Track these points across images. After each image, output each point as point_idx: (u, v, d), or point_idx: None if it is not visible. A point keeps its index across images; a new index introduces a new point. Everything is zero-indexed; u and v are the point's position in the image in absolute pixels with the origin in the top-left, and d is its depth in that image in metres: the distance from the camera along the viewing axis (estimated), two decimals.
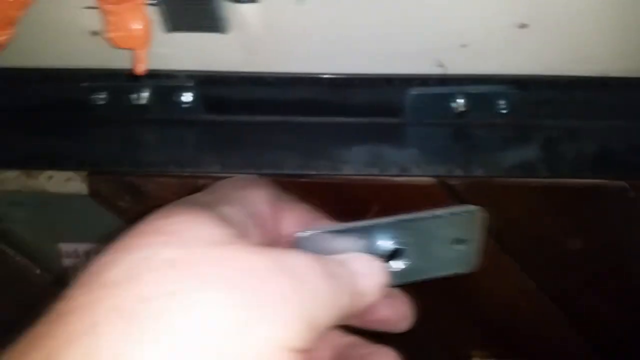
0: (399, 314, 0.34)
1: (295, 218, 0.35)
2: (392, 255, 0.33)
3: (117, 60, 0.46)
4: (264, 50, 0.45)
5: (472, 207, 0.36)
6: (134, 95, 0.49)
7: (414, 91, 0.47)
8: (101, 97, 0.49)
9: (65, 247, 0.62)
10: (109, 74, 0.48)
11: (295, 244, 0.30)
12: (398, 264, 0.33)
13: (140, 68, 0.40)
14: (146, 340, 0.21)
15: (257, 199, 0.33)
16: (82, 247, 0.61)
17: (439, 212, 0.34)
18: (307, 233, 0.30)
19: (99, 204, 0.56)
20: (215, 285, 0.22)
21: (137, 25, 0.38)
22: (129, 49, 0.40)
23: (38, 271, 0.64)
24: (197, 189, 0.53)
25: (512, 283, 0.60)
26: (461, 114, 0.48)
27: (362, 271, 0.28)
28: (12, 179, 0.57)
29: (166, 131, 0.51)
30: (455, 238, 0.35)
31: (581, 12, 0.41)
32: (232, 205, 0.30)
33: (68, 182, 0.57)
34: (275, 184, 0.39)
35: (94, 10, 0.41)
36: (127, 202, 0.55)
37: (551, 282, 0.60)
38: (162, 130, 0.51)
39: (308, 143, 0.49)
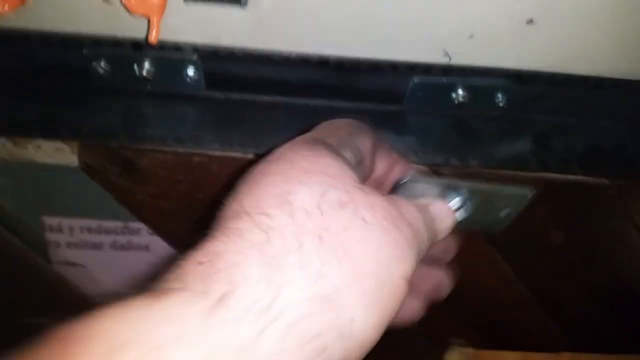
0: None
1: (387, 163, 0.39)
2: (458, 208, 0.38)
3: (123, 29, 0.46)
4: (274, 28, 0.45)
5: (527, 190, 0.40)
6: (137, 67, 0.48)
7: (417, 79, 0.48)
8: (103, 65, 0.48)
9: (49, 220, 0.60)
10: (113, 43, 0.47)
11: (395, 187, 0.36)
12: (460, 215, 0.37)
13: (154, 36, 0.40)
14: (328, 262, 0.26)
15: (365, 146, 0.36)
16: (66, 221, 0.60)
17: (506, 188, 0.40)
18: (406, 180, 0.36)
19: (89, 177, 0.55)
20: (374, 227, 0.28)
21: None
22: (144, 15, 0.39)
23: (18, 243, 0.63)
24: (193, 167, 0.53)
25: (493, 273, 0.62)
26: (461, 105, 0.49)
27: (440, 215, 0.35)
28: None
29: (166, 105, 0.50)
30: (507, 210, 0.41)
31: (586, 13, 0.43)
32: (351, 151, 0.34)
33: (58, 153, 0.55)
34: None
35: None
36: (119, 177, 0.55)
37: (531, 273, 0.62)
38: (163, 104, 0.50)
39: (309, 126, 0.50)
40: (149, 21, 0.40)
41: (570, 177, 0.54)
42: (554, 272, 0.63)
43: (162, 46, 0.47)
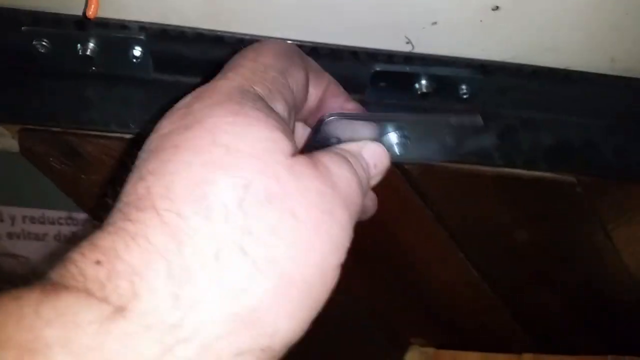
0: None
1: (320, 90, 0.36)
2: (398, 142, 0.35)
3: (65, 5, 0.43)
4: (226, 8, 0.42)
5: (476, 117, 0.36)
6: (80, 46, 0.45)
7: (379, 67, 0.46)
8: (44, 44, 0.44)
9: None
10: (54, 19, 0.43)
11: (320, 124, 0.32)
12: (401, 150, 0.35)
13: (92, 10, 0.37)
14: (249, 275, 0.23)
15: (299, 81, 0.32)
16: (7, 210, 0.57)
17: (450, 118, 0.36)
18: (331, 119, 0.32)
19: (30, 164, 0.52)
20: (306, 224, 0.25)
21: None
22: None
23: None
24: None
25: (457, 273, 0.60)
26: (424, 96, 0.47)
27: (374, 159, 0.32)
28: None
29: (111, 88, 0.47)
30: (456, 138, 0.37)
31: (554, 2, 0.41)
32: (283, 98, 0.30)
33: None
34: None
35: None
36: (62, 164, 0.51)
37: (495, 274, 0.60)
38: (107, 86, 0.47)
39: None
40: None
41: (537, 173, 0.52)
42: (521, 274, 0.61)
43: (107, 24, 0.44)
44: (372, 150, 0.32)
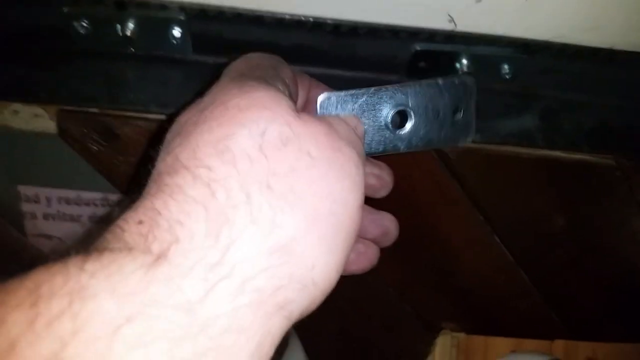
0: (382, 182, 0.40)
1: (305, 89, 0.38)
2: (401, 120, 0.36)
3: None
4: None
5: (465, 76, 0.39)
6: (119, 27, 0.44)
7: (419, 46, 0.45)
8: (83, 25, 0.44)
9: (25, 190, 0.57)
10: (94, 0, 0.43)
11: (318, 105, 0.35)
12: (404, 128, 0.36)
13: None
14: (280, 210, 0.25)
15: (288, 76, 0.34)
16: (44, 191, 0.57)
17: (438, 80, 0.38)
18: (326, 95, 0.35)
19: (67, 145, 0.52)
20: (321, 161, 0.26)
21: None
22: None
23: None
24: None
25: (491, 257, 0.60)
26: (468, 74, 0.46)
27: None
28: None
29: (150, 69, 0.47)
30: (453, 106, 0.38)
31: None
32: (280, 82, 0.32)
33: (35, 119, 0.52)
34: None
35: None
36: (99, 145, 0.51)
37: (530, 259, 0.60)
38: (146, 67, 0.47)
39: None
40: None
41: (576, 156, 0.52)
42: (554, 258, 0.60)
43: (147, 4, 0.44)
44: (354, 119, 0.34)
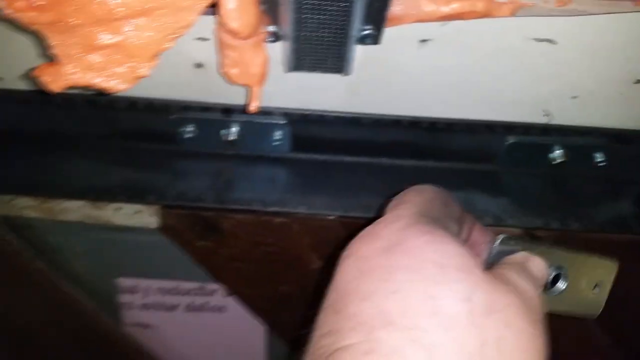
0: None
1: (468, 227, 0.37)
2: (552, 281, 0.36)
3: (213, 94, 0.46)
4: (367, 92, 0.44)
5: (613, 261, 0.38)
6: (224, 131, 0.47)
7: (513, 139, 0.46)
8: (190, 130, 0.47)
9: (124, 282, 0.59)
10: (200, 108, 0.46)
11: (493, 244, 0.34)
12: (553, 290, 0.36)
13: (255, 106, 0.39)
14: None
15: (457, 214, 0.34)
16: (142, 282, 0.59)
17: (596, 255, 0.37)
18: (503, 237, 0.34)
19: (167, 239, 0.55)
20: (523, 334, 0.26)
21: (257, 62, 0.37)
22: (245, 85, 0.38)
23: (91, 305, 0.62)
24: (274, 228, 0.52)
25: (586, 338, 0.58)
26: (559, 165, 0.47)
27: (536, 272, 0.32)
28: (76, 209, 0.55)
29: (251, 168, 0.49)
30: (597, 281, 0.38)
31: None
32: (453, 223, 0.32)
33: (137, 215, 0.55)
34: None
35: (205, 42, 0.40)
36: (199, 239, 0.53)
37: (627, 340, 0.58)
38: (247, 167, 0.49)
39: (397, 187, 0.48)
40: (249, 90, 0.39)
41: None
42: None
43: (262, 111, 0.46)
44: (536, 262, 0.33)
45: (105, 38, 0.28)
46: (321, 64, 0.37)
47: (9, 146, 0.50)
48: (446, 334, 0.24)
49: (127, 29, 0.28)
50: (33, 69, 0.30)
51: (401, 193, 0.34)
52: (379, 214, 0.33)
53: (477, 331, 0.24)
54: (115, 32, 0.28)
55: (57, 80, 0.29)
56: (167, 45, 0.31)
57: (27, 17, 0.27)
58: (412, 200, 0.32)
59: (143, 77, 0.31)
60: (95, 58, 0.29)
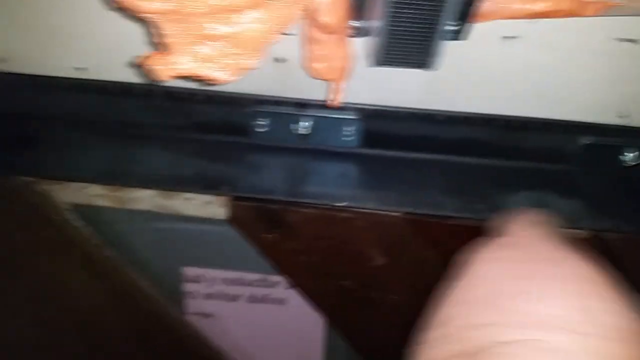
0: None
1: None
2: None
3: (288, 89, 0.46)
4: (445, 89, 0.44)
5: None
6: (296, 125, 0.48)
7: (587, 140, 0.46)
8: (263, 123, 0.48)
9: (189, 271, 0.61)
10: (275, 101, 0.47)
11: None
12: None
13: (337, 100, 0.40)
14: None
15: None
16: (207, 272, 0.61)
17: None
18: None
19: (234, 230, 0.56)
20: None
21: (341, 57, 0.38)
22: (328, 80, 0.39)
23: (156, 294, 0.63)
24: (338, 223, 0.53)
25: None
26: (632, 167, 0.47)
27: None
28: (147, 199, 0.57)
29: (323, 162, 0.50)
30: None
31: None
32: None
33: (207, 206, 0.56)
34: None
35: (289, 37, 0.41)
36: (266, 231, 0.55)
37: None
38: (319, 161, 0.50)
39: (469, 185, 0.48)
40: (330, 85, 0.40)
41: None
42: None
43: (326, 105, 0.47)
44: None
45: (219, 29, 0.29)
46: (407, 59, 0.37)
47: (88, 136, 0.52)
48: (606, 342, 0.24)
49: (241, 21, 0.29)
50: (138, 57, 0.32)
51: (521, 213, 0.34)
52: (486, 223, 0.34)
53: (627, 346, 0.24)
54: (230, 23, 0.29)
55: (167, 69, 0.30)
56: (275, 38, 0.32)
57: (146, 5, 0.28)
58: (542, 220, 0.32)
59: (250, 69, 0.32)
60: (206, 49, 0.30)
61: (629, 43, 0.40)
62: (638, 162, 0.46)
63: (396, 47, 0.36)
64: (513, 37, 0.39)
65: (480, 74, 0.42)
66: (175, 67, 0.30)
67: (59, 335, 0.63)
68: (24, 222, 0.57)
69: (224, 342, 0.66)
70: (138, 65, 0.33)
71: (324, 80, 0.39)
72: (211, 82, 0.33)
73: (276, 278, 0.60)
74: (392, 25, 0.34)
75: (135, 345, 0.65)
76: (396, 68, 0.38)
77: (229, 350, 0.67)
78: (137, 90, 0.48)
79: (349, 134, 0.48)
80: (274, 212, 0.53)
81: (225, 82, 0.33)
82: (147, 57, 0.31)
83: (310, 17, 0.35)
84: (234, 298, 0.62)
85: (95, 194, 0.57)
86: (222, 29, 0.29)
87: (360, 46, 0.40)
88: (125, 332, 0.65)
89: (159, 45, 0.31)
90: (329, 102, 0.40)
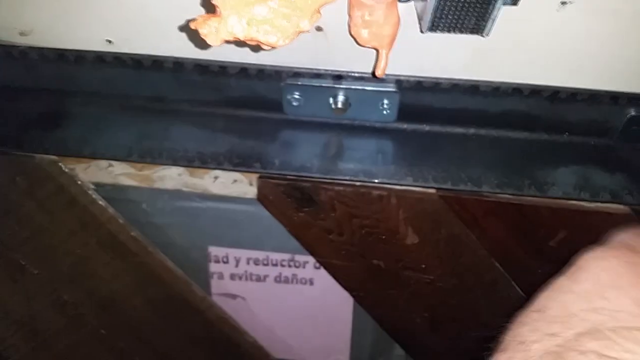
0: None
1: None
2: None
3: (325, 61, 0.45)
4: (492, 57, 0.42)
5: None
6: (332, 99, 0.46)
7: (635, 112, 0.45)
8: (297, 97, 0.47)
9: (215, 250, 0.59)
10: (310, 74, 0.46)
11: None
12: None
13: (382, 69, 0.38)
14: None
15: None
16: (234, 252, 0.59)
17: None
18: None
19: (262, 209, 0.54)
20: None
21: (389, 23, 0.36)
22: (374, 47, 0.37)
23: (181, 274, 0.62)
24: (371, 201, 0.51)
25: None
26: None
27: None
28: (174, 177, 0.56)
29: (358, 138, 0.48)
30: None
31: None
32: None
33: (235, 184, 0.55)
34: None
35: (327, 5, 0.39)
36: (296, 210, 0.53)
37: None
38: (354, 136, 0.48)
39: (511, 160, 0.47)
40: (377, 54, 0.38)
41: None
42: None
43: (362, 77, 0.45)
44: None
45: None
46: (463, 24, 0.35)
47: (115, 112, 0.50)
48: None
49: None
50: (190, 21, 0.30)
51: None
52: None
53: None
54: None
55: (218, 32, 0.29)
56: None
57: None
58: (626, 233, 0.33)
59: (304, 32, 0.31)
60: (260, 10, 0.28)
61: None
62: None
63: (449, 11, 0.34)
64: (571, 2, 0.37)
65: (533, 41, 0.40)
66: (227, 30, 0.29)
67: (83, 316, 0.62)
68: (50, 202, 0.55)
69: (250, 323, 0.65)
70: (189, 30, 0.31)
71: (371, 47, 0.38)
72: (264, 45, 0.31)
73: (304, 258, 0.59)
74: None
75: (159, 326, 0.64)
76: (449, 34, 0.36)
77: (255, 332, 0.66)
78: (168, 63, 0.46)
79: (387, 107, 0.47)
80: (304, 190, 0.52)
81: (278, 47, 0.31)
82: (197, 21, 0.29)
83: None
84: (260, 278, 0.60)
85: (122, 173, 0.56)
86: None
87: (404, 12, 0.38)
88: (150, 312, 0.64)
89: (209, 7, 0.29)
90: (375, 72, 0.38)
